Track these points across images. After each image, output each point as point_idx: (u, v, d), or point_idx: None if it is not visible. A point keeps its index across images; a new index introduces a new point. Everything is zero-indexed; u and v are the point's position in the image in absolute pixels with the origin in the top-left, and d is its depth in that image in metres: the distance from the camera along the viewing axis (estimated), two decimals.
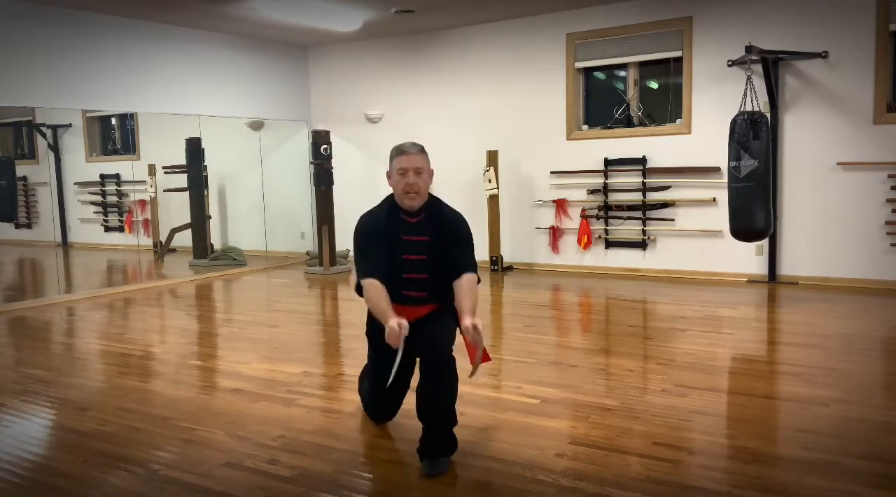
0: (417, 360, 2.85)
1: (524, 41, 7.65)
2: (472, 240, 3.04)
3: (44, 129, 7.66)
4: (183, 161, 8.23)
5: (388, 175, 2.95)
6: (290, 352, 4.63)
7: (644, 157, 7.10)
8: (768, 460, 2.80)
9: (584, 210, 7.43)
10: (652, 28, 6.94)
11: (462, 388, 3.70)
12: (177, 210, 8.36)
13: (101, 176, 8.22)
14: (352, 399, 3.62)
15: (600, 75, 7.62)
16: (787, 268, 6.56)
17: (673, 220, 7.05)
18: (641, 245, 7.25)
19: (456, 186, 8.20)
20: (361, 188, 8.76)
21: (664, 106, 7.16)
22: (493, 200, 7.64)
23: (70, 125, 7.86)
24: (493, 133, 7.90)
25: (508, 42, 7.75)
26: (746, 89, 5.75)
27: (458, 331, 2.86)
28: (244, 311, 6.20)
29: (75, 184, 8.05)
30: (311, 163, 8.54)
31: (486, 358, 2.90)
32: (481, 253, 7.97)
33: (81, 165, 8.18)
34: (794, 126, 6.43)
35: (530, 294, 6.52)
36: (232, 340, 5.03)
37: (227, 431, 3.23)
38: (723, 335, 4.79)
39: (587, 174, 7.40)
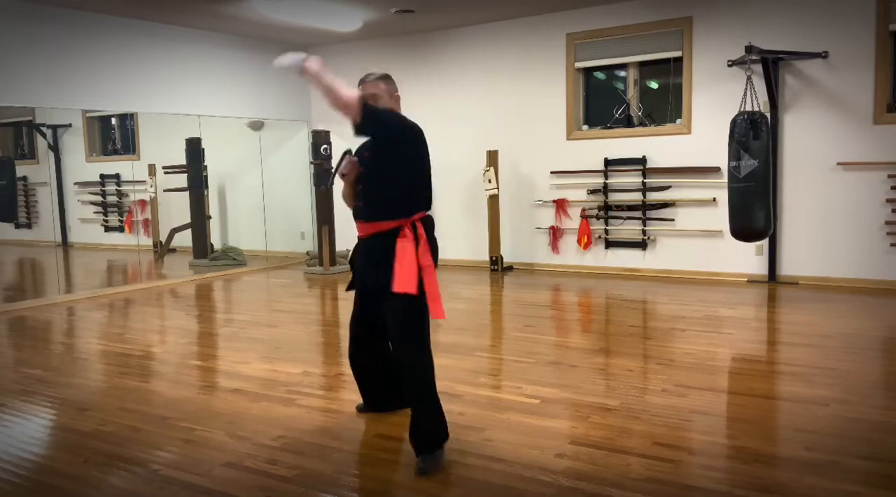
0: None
1: (524, 41, 7.65)
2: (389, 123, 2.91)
3: (44, 129, 7.66)
4: (183, 161, 8.23)
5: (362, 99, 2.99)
6: (290, 352, 4.63)
7: (644, 157, 7.11)
8: (768, 460, 2.81)
9: (584, 210, 7.43)
10: (652, 28, 6.94)
11: (462, 388, 3.72)
12: (177, 210, 8.36)
13: (101, 176, 8.22)
14: (352, 399, 3.62)
15: (600, 75, 7.62)
16: (787, 268, 6.56)
17: (673, 220, 7.05)
18: (641, 245, 7.25)
19: (456, 186, 8.20)
20: None
21: (664, 106, 7.16)
22: (493, 200, 7.64)
23: (70, 125, 7.86)
24: (493, 133, 7.90)
25: (508, 42, 7.75)
26: (746, 89, 5.75)
27: (414, 313, 2.87)
28: (244, 311, 6.20)
29: (75, 184, 8.05)
30: (311, 163, 8.54)
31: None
32: (481, 253, 7.99)
33: (81, 165, 8.18)
34: (794, 126, 6.43)
35: (530, 294, 6.52)
36: (232, 340, 5.03)
37: (227, 431, 3.23)
38: (723, 335, 4.79)
39: (587, 174, 7.40)
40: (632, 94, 7.29)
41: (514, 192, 7.85)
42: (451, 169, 8.16)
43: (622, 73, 7.41)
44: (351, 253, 3.20)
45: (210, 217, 8.55)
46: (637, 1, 6.97)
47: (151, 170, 8.22)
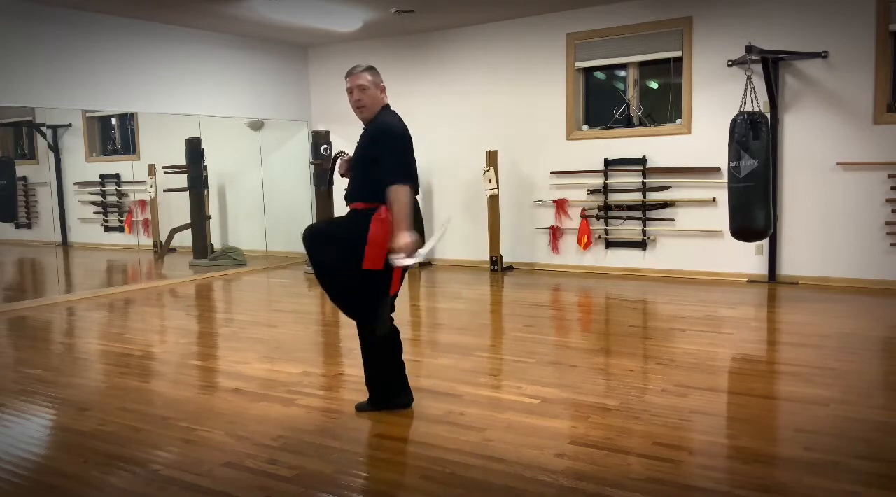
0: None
1: (524, 41, 7.65)
2: (391, 148, 3.16)
3: (44, 129, 7.66)
4: (183, 161, 8.23)
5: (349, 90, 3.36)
6: (290, 352, 4.63)
7: (644, 157, 7.11)
8: (768, 460, 2.81)
9: (584, 210, 7.43)
10: (652, 28, 6.94)
11: (462, 388, 3.72)
12: (177, 210, 8.36)
13: (101, 176, 8.22)
14: (352, 399, 3.62)
15: (600, 75, 7.62)
16: (787, 268, 6.56)
17: (673, 220, 7.05)
18: (641, 245, 7.25)
19: (456, 186, 8.20)
20: None
21: (664, 106, 7.16)
22: (493, 200, 7.64)
23: (70, 125, 7.86)
24: (493, 133, 7.90)
25: (508, 42, 7.75)
26: (746, 89, 5.75)
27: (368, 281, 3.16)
28: (244, 311, 6.20)
29: (75, 184, 8.05)
30: (311, 163, 8.54)
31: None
32: (481, 253, 7.99)
33: (81, 165, 8.18)
34: (794, 126, 6.43)
35: (530, 294, 6.52)
36: (232, 340, 5.03)
37: (227, 431, 3.23)
38: (723, 335, 4.79)
39: (587, 174, 7.40)
40: (632, 94, 7.29)
41: (514, 192, 7.85)
42: (451, 169, 8.16)
43: (622, 73, 7.41)
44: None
45: (210, 217, 8.55)
46: (637, 1, 6.97)
47: (151, 170, 8.22)
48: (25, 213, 7.74)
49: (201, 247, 8.42)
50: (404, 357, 3.47)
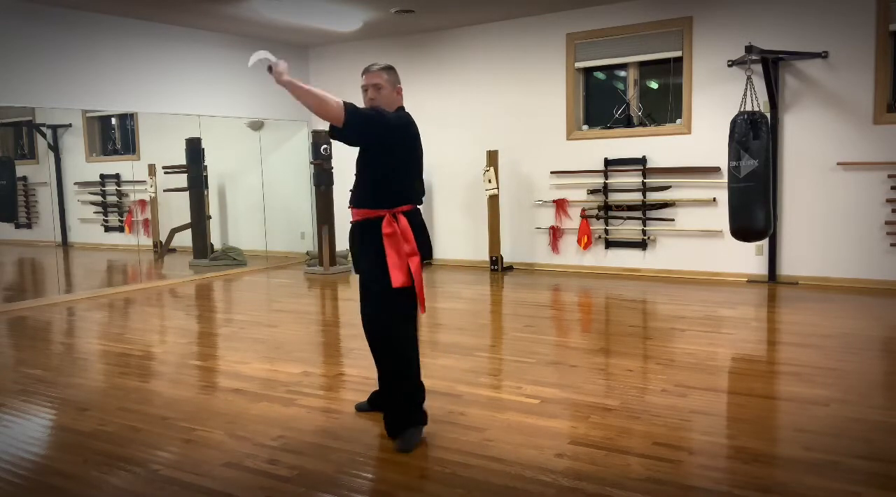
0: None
1: (524, 41, 7.65)
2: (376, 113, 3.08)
3: (44, 129, 7.66)
4: (183, 161, 8.23)
5: (363, 89, 3.22)
6: (290, 352, 4.63)
7: (644, 157, 7.11)
8: (768, 460, 2.81)
9: (584, 210, 7.43)
10: (652, 28, 6.94)
11: (462, 388, 3.72)
12: (177, 210, 8.36)
13: (101, 176, 8.22)
14: (352, 399, 3.62)
15: (600, 75, 7.62)
16: (787, 268, 6.56)
17: (673, 220, 7.05)
18: (641, 245, 7.25)
19: (456, 186, 8.20)
20: None
21: (664, 106, 7.16)
22: (493, 200, 7.64)
23: (70, 125, 7.86)
24: (493, 133, 7.90)
25: (508, 42, 7.75)
26: (746, 89, 5.75)
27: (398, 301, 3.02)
28: (244, 311, 6.20)
29: (75, 184, 8.05)
30: (311, 163, 8.54)
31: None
32: (481, 253, 7.99)
33: (81, 165, 8.18)
34: (794, 126, 6.43)
35: (530, 294, 6.52)
36: (232, 340, 5.03)
37: (227, 431, 3.23)
38: (723, 335, 4.79)
39: (587, 174, 7.40)
40: (632, 94, 7.29)
41: (514, 192, 7.85)
42: (451, 169, 8.16)
43: (622, 73, 7.41)
44: (349, 237, 3.21)
45: (210, 217, 8.55)
46: (637, 1, 6.97)
47: (151, 170, 8.22)
48: (25, 213, 7.74)
49: (201, 247, 8.42)
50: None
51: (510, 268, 7.87)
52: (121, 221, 8.34)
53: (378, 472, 2.83)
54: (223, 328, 5.51)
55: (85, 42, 6.90)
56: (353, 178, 3.12)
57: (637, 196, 7.18)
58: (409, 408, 3.04)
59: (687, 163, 6.90)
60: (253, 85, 8.48)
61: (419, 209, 3.12)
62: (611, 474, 2.69)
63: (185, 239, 8.41)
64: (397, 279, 2.93)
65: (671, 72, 7.02)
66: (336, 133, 2.88)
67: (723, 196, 6.27)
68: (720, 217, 6.52)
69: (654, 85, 7.37)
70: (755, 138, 5.51)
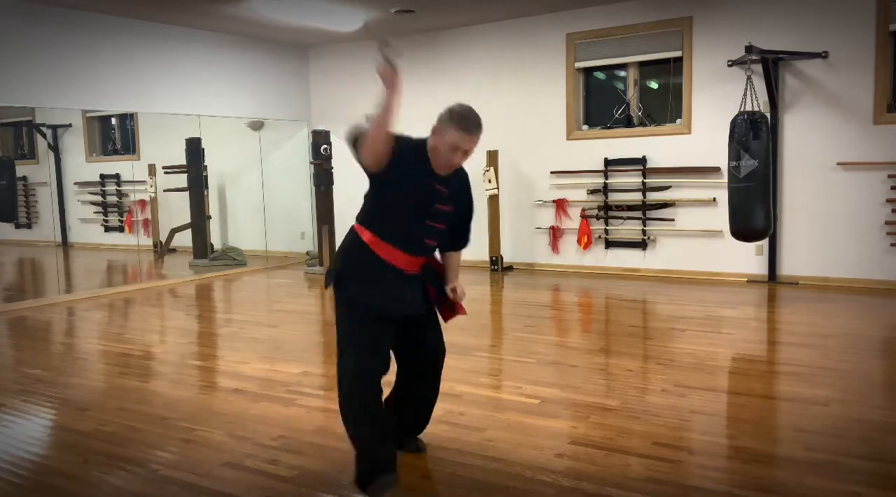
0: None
1: (524, 41, 7.65)
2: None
3: (44, 129, 7.66)
4: (183, 161, 8.23)
5: (435, 132, 2.72)
6: (290, 352, 4.63)
7: (644, 157, 7.10)
8: (768, 460, 2.81)
9: (584, 210, 7.43)
10: (652, 28, 6.94)
11: (462, 389, 3.72)
12: (177, 210, 8.36)
13: (101, 176, 8.22)
14: None
15: (600, 75, 7.62)
16: (787, 268, 6.56)
17: (673, 220, 7.05)
18: (641, 245, 7.25)
19: None
20: (361, 188, 8.74)
21: (664, 106, 7.16)
22: (493, 200, 7.63)
23: (70, 125, 7.86)
24: (493, 133, 7.85)
25: (508, 42, 7.74)
26: (746, 89, 5.75)
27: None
28: (244, 311, 6.20)
29: (75, 184, 8.05)
30: (311, 163, 8.54)
31: (462, 310, 2.98)
32: (481, 253, 7.99)
33: (81, 165, 8.18)
34: (794, 126, 6.43)
35: (530, 294, 6.52)
36: (232, 340, 5.03)
37: (227, 431, 3.23)
38: (723, 335, 4.79)
39: (587, 174, 7.39)
40: (632, 94, 7.29)
41: (514, 192, 7.85)
42: None
43: (622, 73, 7.41)
44: (365, 286, 2.66)
45: (210, 217, 8.55)
46: (637, 1, 6.97)
47: (151, 170, 8.22)
48: (25, 213, 7.74)
49: (201, 247, 8.42)
50: None
51: (510, 268, 7.87)
52: (121, 221, 8.34)
53: None
54: (223, 328, 5.51)
55: (85, 42, 6.90)
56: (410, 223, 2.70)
57: (637, 196, 7.18)
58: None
59: (687, 163, 6.90)
60: (253, 85, 8.49)
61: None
62: (611, 474, 2.69)
63: (185, 239, 8.41)
64: (447, 315, 2.93)
65: (671, 72, 7.02)
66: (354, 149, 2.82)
67: (723, 196, 6.27)
68: (720, 217, 6.52)
69: (654, 85, 7.37)
70: (755, 138, 5.50)
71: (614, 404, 3.45)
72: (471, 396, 3.61)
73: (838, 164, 6.26)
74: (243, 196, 9.10)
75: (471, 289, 6.80)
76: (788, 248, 6.54)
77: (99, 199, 8.25)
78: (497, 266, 7.73)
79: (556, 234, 7.63)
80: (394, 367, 2.81)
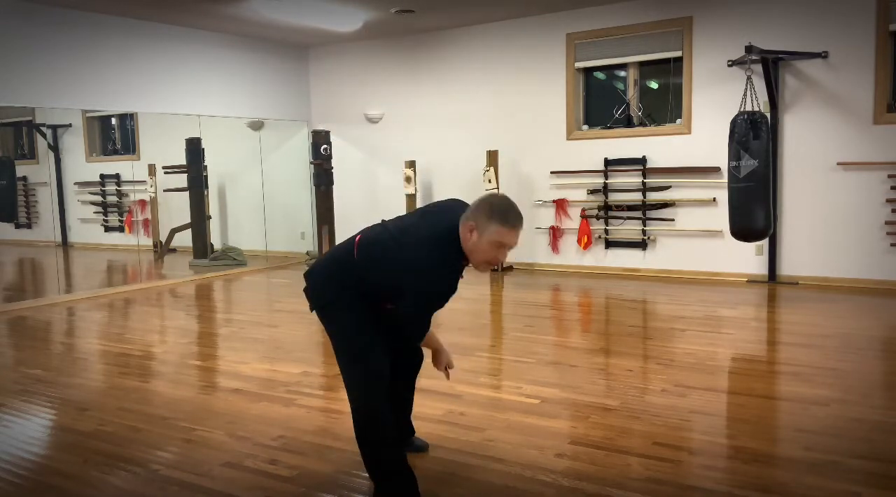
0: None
1: (524, 41, 7.65)
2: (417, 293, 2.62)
3: (44, 129, 7.66)
4: (183, 161, 8.23)
5: (473, 229, 2.51)
6: (290, 352, 4.63)
7: (644, 157, 7.10)
8: (768, 460, 2.81)
9: (584, 210, 7.43)
10: (652, 28, 6.94)
11: (462, 389, 3.72)
12: (177, 210, 8.36)
13: (101, 176, 8.22)
14: None
15: (600, 75, 7.62)
16: (787, 268, 6.56)
17: (673, 220, 7.05)
18: (641, 245, 7.25)
19: (456, 186, 8.19)
20: (361, 188, 8.76)
21: (664, 106, 7.16)
22: None
23: (70, 125, 7.86)
24: (493, 133, 7.90)
25: (508, 42, 7.74)
26: (746, 89, 5.75)
27: None
28: (244, 311, 6.20)
29: (75, 184, 8.05)
30: (311, 163, 8.54)
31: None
32: None
33: (81, 165, 8.18)
34: (794, 126, 6.43)
35: (530, 294, 6.52)
36: (232, 340, 5.03)
37: (227, 431, 3.23)
38: (723, 335, 4.79)
39: (587, 174, 7.40)
40: (632, 94, 7.29)
41: (514, 192, 7.82)
42: (451, 169, 8.16)
43: (622, 73, 7.41)
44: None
45: (210, 217, 8.55)
46: (637, 1, 6.97)
47: (151, 170, 8.22)
48: (25, 213, 7.74)
49: (201, 247, 8.42)
50: None
51: (510, 268, 7.87)
52: (121, 221, 8.34)
53: None
54: (223, 328, 5.51)
55: (85, 42, 6.90)
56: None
57: (637, 196, 7.18)
58: None
59: (687, 163, 6.90)
60: (253, 85, 8.49)
61: None
62: (611, 474, 2.69)
63: (185, 239, 8.41)
64: None
65: (671, 72, 7.02)
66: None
67: (723, 196, 6.27)
68: (720, 217, 6.52)
69: (654, 85, 7.37)
70: (755, 138, 5.51)
71: (614, 404, 3.45)
72: (471, 396, 3.60)
73: (838, 164, 6.26)
74: (243, 196, 9.09)
75: (471, 289, 6.82)
76: (788, 248, 6.54)
77: (99, 199, 8.25)
78: (497, 266, 7.72)
79: (556, 234, 7.63)
80: None
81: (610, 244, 7.41)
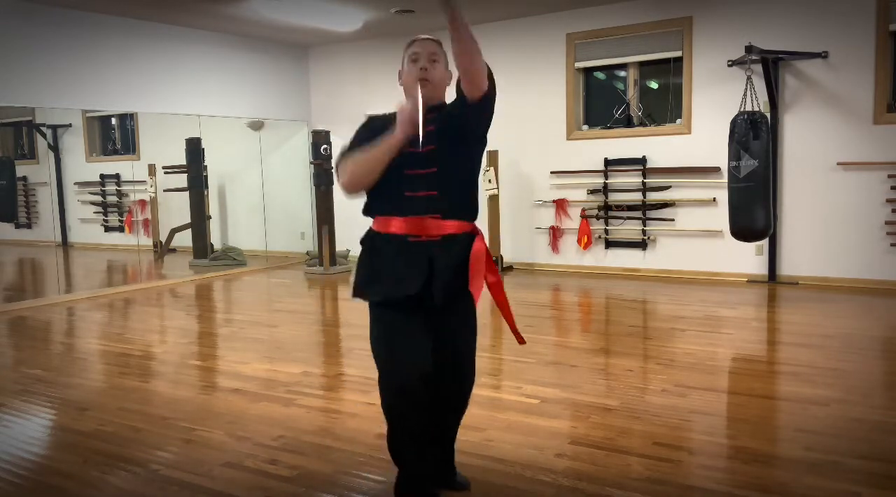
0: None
1: (524, 41, 7.65)
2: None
3: (44, 129, 7.66)
4: (183, 161, 8.23)
5: (400, 74, 2.41)
6: (290, 352, 4.63)
7: (644, 157, 7.10)
8: (768, 460, 2.80)
9: (584, 210, 7.43)
10: (652, 28, 6.94)
11: None
12: (177, 210, 8.36)
13: (101, 176, 8.22)
14: (352, 399, 3.62)
15: (600, 75, 7.62)
16: (787, 268, 6.56)
17: (673, 220, 7.05)
18: (641, 245, 7.25)
19: None
20: None
21: (664, 106, 7.16)
22: (493, 200, 7.63)
23: (70, 125, 7.86)
24: (492, 133, 7.83)
25: (508, 42, 7.74)
26: (746, 89, 5.75)
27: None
28: (244, 311, 6.20)
29: (75, 184, 8.05)
30: (311, 163, 8.54)
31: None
32: None
33: (81, 165, 8.18)
34: (794, 126, 6.43)
35: (530, 294, 6.52)
36: (232, 340, 5.03)
37: (227, 431, 3.23)
38: (723, 335, 4.79)
39: (587, 174, 7.40)
40: (632, 94, 7.29)
41: (514, 192, 7.85)
42: None
43: (622, 73, 7.41)
44: (376, 257, 2.35)
45: (210, 217, 8.55)
46: (637, 1, 6.97)
47: (151, 170, 8.22)
48: (25, 213, 7.74)
49: (201, 247, 8.42)
50: None
51: (510, 268, 7.87)
52: (121, 221, 8.34)
53: (378, 472, 2.83)
54: (223, 328, 5.51)
55: (85, 42, 6.90)
56: (420, 176, 2.32)
57: (637, 196, 7.18)
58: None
59: (687, 163, 6.90)
60: (253, 85, 8.49)
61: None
62: (611, 474, 2.69)
63: (185, 239, 8.41)
64: (477, 286, 2.34)
65: (671, 72, 7.02)
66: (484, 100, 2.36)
67: (723, 196, 6.27)
68: (720, 217, 6.52)
69: (654, 85, 7.37)
70: (755, 138, 5.51)
71: (614, 404, 3.45)
72: (471, 396, 3.60)
73: (838, 164, 6.26)
74: (243, 196, 9.10)
75: None
76: (788, 248, 6.54)
77: (99, 199, 8.25)
78: (497, 266, 7.71)
79: (556, 234, 7.63)
80: None
81: (610, 244, 7.41)
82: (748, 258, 6.71)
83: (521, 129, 7.74)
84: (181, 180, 8.25)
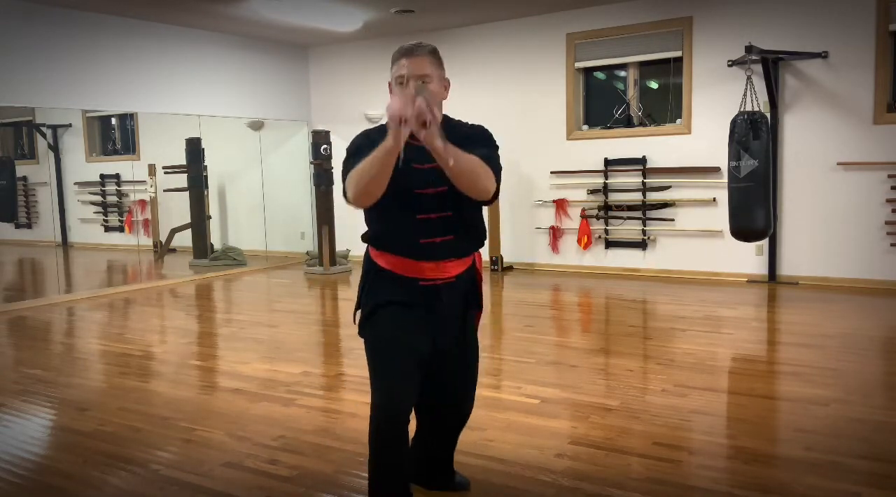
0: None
1: (524, 41, 7.65)
2: (496, 146, 2.40)
3: (44, 129, 7.66)
4: (183, 161, 8.23)
5: (390, 87, 2.24)
6: (290, 352, 4.63)
7: (644, 157, 7.10)
8: (768, 460, 2.81)
9: (584, 210, 7.43)
10: (652, 28, 6.94)
11: None
12: (177, 210, 8.36)
13: (101, 176, 8.22)
14: (352, 399, 3.62)
15: (600, 75, 7.62)
16: (787, 268, 6.56)
17: (673, 220, 7.05)
18: (641, 245, 7.25)
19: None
20: None
21: (664, 106, 7.16)
22: None
23: (70, 125, 7.86)
24: (493, 133, 7.87)
25: (508, 42, 7.74)
26: (746, 89, 5.75)
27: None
28: (244, 311, 6.20)
29: (75, 184, 8.05)
30: (311, 163, 8.54)
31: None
32: (481, 253, 7.99)
33: (81, 165, 8.18)
34: (794, 126, 6.43)
35: (530, 294, 6.52)
36: (232, 340, 5.03)
37: (227, 431, 3.23)
38: (723, 335, 4.79)
39: (587, 174, 7.39)
40: (632, 94, 7.29)
41: (514, 192, 7.85)
42: None
43: (622, 73, 7.41)
44: (389, 307, 2.23)
45: (210, 217, 8.55)
46: (637, 1, 6.97)
47: (151, 170, 8.22)
48: (25, 213, 7.74)
49: (201, 247, 8.42)
50: None
51: (510, 268, 7.87)
52: (121, 221, 8.34)
53: None
54: (223, 328, 5.51)
55: (85, 42, 6.90)
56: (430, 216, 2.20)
57: (637, 196, 7.18)
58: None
59: (687, 163, 6.90)
60: (253, 85, 8.49)
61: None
62: (611, 474, 2.69)
63: (185, 239, 8.41)
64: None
65: (671, 72, 7.02)
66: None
67: (723, 196, 6.27)
68: (720, 217, 6.52)
69: (654, 85, 7.37)
70: (755, 138, 5.51)
71: (614, 404, 3.45)
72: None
73: (838, 164, 6.26)
74: (243, 196, 9.10)
75: None
76: (788, 248, 6.54)
77: (99, 199, 8.25)
78: (497, 266, 7.73)
79: (556, 234, 7.63)
80: None
81: (610, 244, 7.41)
82: (748, 258, 6.71)
83: (521, 129, 7.74)
84: (181, 180, 8.25)
